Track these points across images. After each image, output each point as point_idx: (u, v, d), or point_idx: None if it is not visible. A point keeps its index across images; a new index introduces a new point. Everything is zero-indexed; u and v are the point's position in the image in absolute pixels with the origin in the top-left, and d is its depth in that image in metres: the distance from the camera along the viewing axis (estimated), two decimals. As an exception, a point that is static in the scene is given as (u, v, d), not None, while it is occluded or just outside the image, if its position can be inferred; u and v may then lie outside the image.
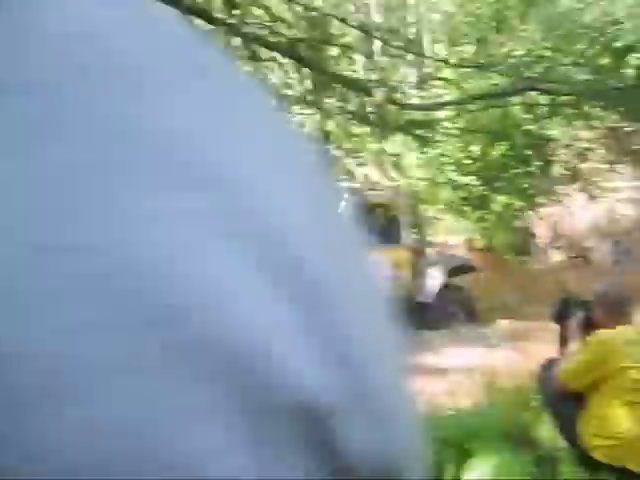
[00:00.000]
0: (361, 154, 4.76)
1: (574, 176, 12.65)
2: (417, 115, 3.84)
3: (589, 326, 3.74)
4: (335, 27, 5.61)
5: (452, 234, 14.92)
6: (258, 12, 3.43)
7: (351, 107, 3.43)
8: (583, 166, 14.43)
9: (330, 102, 3.34)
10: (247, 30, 2.94)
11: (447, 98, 8.53)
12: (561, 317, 3.95)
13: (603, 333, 3.55)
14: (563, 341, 3.87)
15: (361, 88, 3.24)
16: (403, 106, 3.59)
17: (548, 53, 9.29)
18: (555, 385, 3.64)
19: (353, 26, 3.86)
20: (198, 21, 3.30)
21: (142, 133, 0.21)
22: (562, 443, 3.81)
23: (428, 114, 4.03)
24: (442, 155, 6.69)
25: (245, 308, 0.20)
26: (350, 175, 6.52)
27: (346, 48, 3.68)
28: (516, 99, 4.43)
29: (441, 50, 13.73)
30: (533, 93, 4.62)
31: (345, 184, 8.44)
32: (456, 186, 9.65)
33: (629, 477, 3.36)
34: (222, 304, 0.19)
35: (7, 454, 0.18)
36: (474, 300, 9.91)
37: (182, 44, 0.25)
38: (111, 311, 0.18)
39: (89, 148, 0.20)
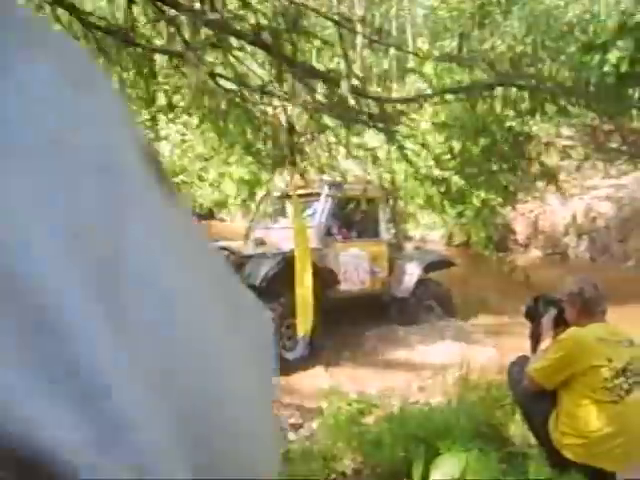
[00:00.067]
0: (339, 147, 4.73)
1: (553, 173, 12.67)
2: (388, 108, 3.82)
3: (561, 324, 3.73)
4: (315, 20, 5.57)
5: (430, 229, 14.96)
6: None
7: (320, 98, 3.39)
8: (562, 163, 14.51)
9: (298, 93, 3.30)
10: (213, 17, 2.89)
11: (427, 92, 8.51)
12: (534, 314, 3.94)
13: (575, 331, 3.54)
14: (535, 339, 3.85)
15: (328, 79, 3.20)
16: (370, 99, 3.54)
17: (529, 49, 9.30)
18: (526, 383, 3.63)
19: (328, 17, 3.80)
20: (163, 7, 3.25)
21: None
22: (533, 441, 3.81)
23: (395, 107, 4.00)
24: (421, 149, 6.66)
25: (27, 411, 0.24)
26: (329, 169, 6.47)
27: (312, 36, 3.64)
28: (493, 94, 4.40)
29: (423, 44, 13.73)
30: (514, 89, 4.59)
31: (324, 178, 8.40)
32: (435, 181, 9.62)
33: (598, 476, 3.35)
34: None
35: None
36: (451, 295, 9.93)
37: None
38: None
39: None
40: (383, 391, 5.05)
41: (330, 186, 8.84)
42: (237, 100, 3.46)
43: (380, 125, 3.69)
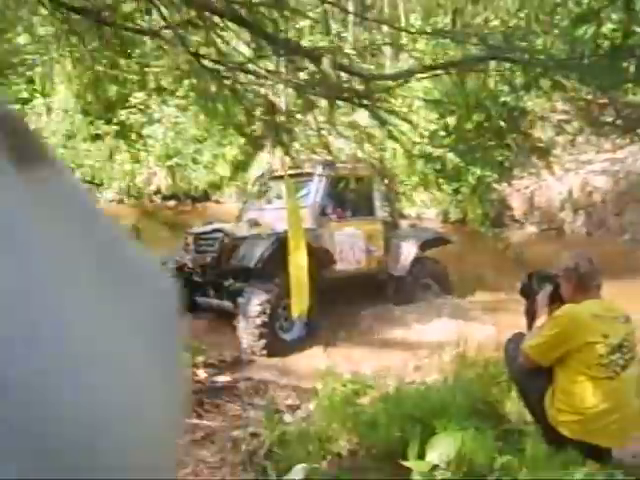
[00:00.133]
0: (334, 126, 4.67)
1: (549, 148, 12.62)
2: (373, 85, 3.75)
3: (557, 300, 3.70)
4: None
5: (426, 207, 14.91)
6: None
7: (303, 76, 3.33)
8: (558, 138, 14.43)
9: (280, 70, 3.24)
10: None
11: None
12: (528, 291, 3.91)
13: (570, 307, 3.52)
14: (530, 315, 3.83)
15: (310, 55, 3.13)
16: (354, 75, 3.48)
17: (522, 23, 9.20)
18: (522, 360, 3.61)
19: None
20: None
21: None
22: (529, 418, 3.80)
23: (381, 84, 3.93)
24: (411, 127, 6.58)
25: None
26: (323, 148, 6.41)
27: (296, 12, 3.56)
28: (486, 69, 4.34)
29: (416, 21, 13.62)
30: (507, 64, 4.53)
31: (319, 157, 8.34)
32: (429, 158, 9.57)
33: (594, 452, 3.34)
34: None
35: None
36: (448, 273, 9.90)
37: None
38: None
39: None
40: (379, 371, 5.04)
41: (323, 166, 8.78)
42: (224, 81, 3.40)
43: (365, 102, 3.63)
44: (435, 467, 2.96)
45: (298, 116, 3.80)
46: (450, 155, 10.88)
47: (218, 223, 9.19)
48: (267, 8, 3.01)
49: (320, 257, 8.16)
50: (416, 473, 2.91)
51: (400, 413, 3.52)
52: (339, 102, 4.19)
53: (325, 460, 3.36)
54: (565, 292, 3.67)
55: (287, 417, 4.18)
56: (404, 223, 11.08)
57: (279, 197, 8.99)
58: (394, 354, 6.83)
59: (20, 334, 0.31)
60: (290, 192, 6.54)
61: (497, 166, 12.33)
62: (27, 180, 0.35)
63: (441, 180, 13.76)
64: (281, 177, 7.71)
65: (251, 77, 3.54)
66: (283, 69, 3.18)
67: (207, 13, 2.90)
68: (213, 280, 8.51)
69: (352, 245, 9.02)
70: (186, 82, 10.85)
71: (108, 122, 16.16)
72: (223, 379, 6.22)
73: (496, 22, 10.65)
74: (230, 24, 3.09)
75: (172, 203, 16.61)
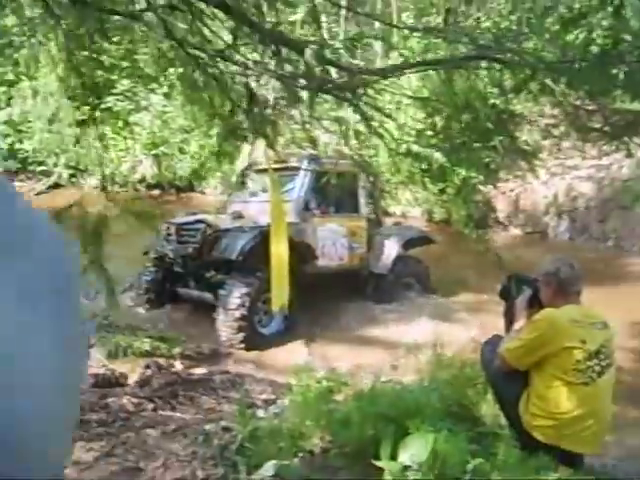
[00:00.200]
0: (316, 119, 4.62)
1: (535, 152, 12.62)
2: (357, 81, 3.71)
3: (536, 304, 3.69)
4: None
5: (411, 205, 14.91)
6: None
7: (288, 67, 3.28)
8: (545, 142, 14.46)
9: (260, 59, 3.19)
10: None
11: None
12: (508, 294, 3.89)
13: (549, 312, 3.50)
14: (508, 318, 3.81)
15: (293, 45, 3.08)
16: (338, 68, 3.44)
17: (514, 26, 9.18)
18: (499, 363, 3.60)
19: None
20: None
21: None
22: (504, 421, 3.78)
23: (364, 79, 3.88)
24: (397, 124, 6.55)
25: None
26: (308, 142, 6.37)
27: (287, 5, 3.50)
28: (475, 70, 4.30)
29: (408, 19, 13.59)
30: (497, 65, 4.51)
31: (304, 152, 8.30)
32: (415, 157, 9.53)
33: (566, 458, 3.33)
34: None
35: None
36: (429, 273, 9.90)
37: None
38: None
39: None
40: (355, 369, 5.01)
41: (309, 160, 8.74)
42: (208, 69, 3.34)
43: (347, 96, 3.58)
44: (407, 468, 2.93)
45: (282, 109, 3.75)
46: (437, 155, 10.85)
47: (201, 214, 9.14)
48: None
49: (302, 252, 8.13)
50: (388, 473, 2.89)
51: (374, 412, 3.49)
52: (326, 97, 4.16)
53: (297, 457, 3.32)
54: (544, 296, 3.65)
55: (260, 412, 4.14)
56: (388, 221, 11.07)
57: (264, 190, 8.95)
58: (371, 352, 6.81)
59: None
60: (274, 185, 6.49)
61: (483, 168, 12.32)
62: None
63: (427, 179, 13.76)
64: (267, 170, 7.67)
65: (235, 68, 3.48)
66: (268, 59, 3.13)
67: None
68: (194, 271, 8.46)
69: (335, 241, 8.99)
70: (171, 70, 10.75)
71: (94, 108, 16.03)
72: (200, 371, 6.18)
73: (488, 23, 10.64)
74: (216, 11, 3.04)
75: (156, 192, 16.52)
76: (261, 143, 4.61)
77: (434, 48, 10.65)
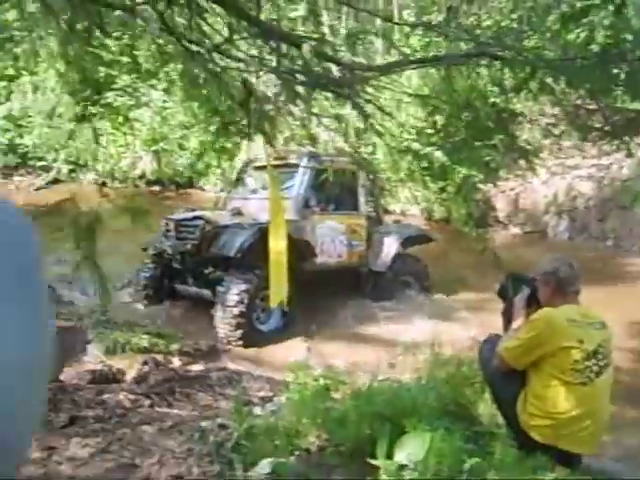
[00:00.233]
0: (314, 115, 4.60)
1: (535, 151, 12.61)
2: (355, 77, 3.69)
3: (534, 303, 3.67)
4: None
5: (410, 204, 14.89)
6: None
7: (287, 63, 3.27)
8: (545, 142, 14.44)
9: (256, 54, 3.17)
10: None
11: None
12: (506, 293, 3.88)
13: (547, 311, 3.49)
14: (507, 317, 3.80)
15: (291, 41, 3.06)
16: (336, 64, 3.42)
17: (515, 24, 9.17)
18: (496, 362, 3.58)
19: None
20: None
21: None
22: (501, 420, 3.77)
23: (362, 75, 3.87)
24: (398, 122, 6.55)
25: None
26: (309, 140, 6.36)
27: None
28: (476, 68, 4.29)
29: (409, 17, 13.55)
30: (497, 63, 4.50)
31: (304, 149, 8.29)
32: (416, 155, 9.53)
33: (564, 458, 3.32)
34: None
35: None
36: (428, 272, 9.88)
37: None
38: None
39: None
40: (352, 367, 4.99)
41: (309, 158, 8.72)
42: (207, 65, 3.32)
43: (346, 92, 3.56)
44: (403, 467, 2.92)
45: (281, 105, 3.73)
46: (437, 153, 10.83)
47: (200, 210, 9.13)
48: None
49: (300, 249, 8.11)
50: (384, 472, 2.87)
51: (371, 411, 3.48)
52: (326, 94, 4.14)
53: (293, 455, 3.31)
54: (543, 296, 3.64)
55: (257, 410, 4.13)
56: (388, 219, 11.05)
57: (264, 187, 8.94)
58: (369, 350, 6.79)
59: None
60: (274, 182, 6.48)
61: (483, 166, 12.31)
62: None
63: (427, 178, 13.74)
64: (266, 167, 7.65)
65: (234, 63, 3.46)
66: (266, 55, 3.12)
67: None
68: (193, 268, 8.45)
69: (334, 238, 8.98)
70: (171, 66, 10.72)
71: (94, 103, 16.01)
72: (197, 368, 6.16)
73: (489, 22, 10.61)
74: (214, 6, 3.02)
75: (156, 188, 16.50)
76: (260, 140, 4.60)
77: (435, 46, 10.63)
